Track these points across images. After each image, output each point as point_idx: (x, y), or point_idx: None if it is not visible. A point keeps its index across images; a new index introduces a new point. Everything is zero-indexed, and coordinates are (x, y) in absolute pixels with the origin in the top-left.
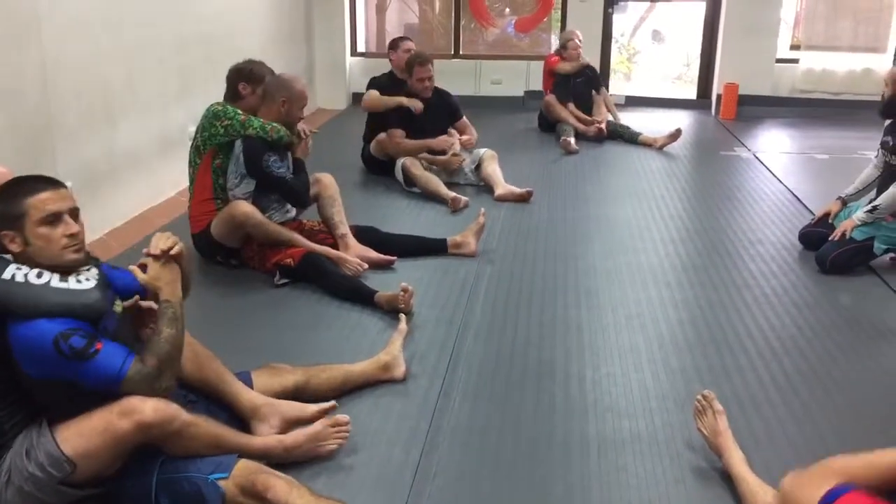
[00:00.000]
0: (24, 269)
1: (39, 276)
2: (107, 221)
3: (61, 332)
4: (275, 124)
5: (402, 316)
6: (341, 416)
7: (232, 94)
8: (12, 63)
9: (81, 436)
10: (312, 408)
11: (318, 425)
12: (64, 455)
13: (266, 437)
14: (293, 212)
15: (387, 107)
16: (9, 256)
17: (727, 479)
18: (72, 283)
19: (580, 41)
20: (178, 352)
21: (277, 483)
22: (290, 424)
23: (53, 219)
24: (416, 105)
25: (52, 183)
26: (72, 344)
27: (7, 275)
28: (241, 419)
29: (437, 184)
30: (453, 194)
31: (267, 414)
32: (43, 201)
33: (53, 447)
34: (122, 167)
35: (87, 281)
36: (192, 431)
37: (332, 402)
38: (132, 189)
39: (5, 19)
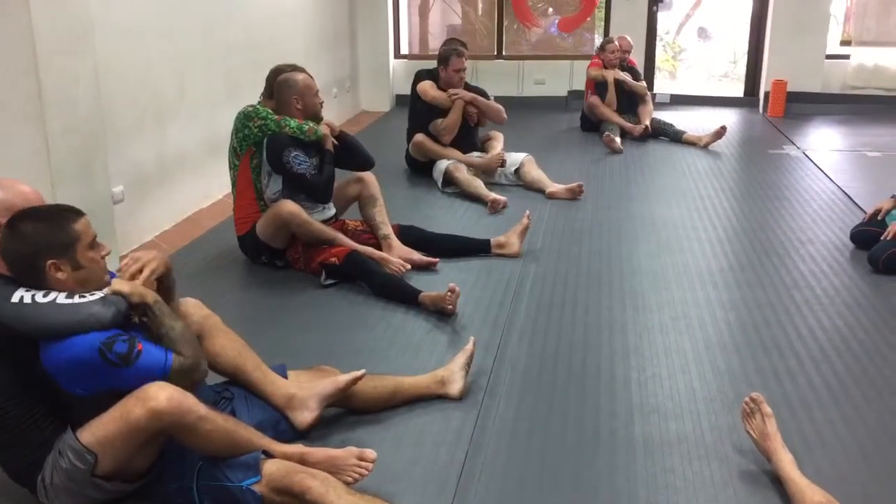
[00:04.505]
0: (32, 290)
1: (46, 295)
2: (157, 224)
3: (103, 342)
4: (311, 124)
5: (472, 338)
6: (369, 452)
7: (270, 92)
8: (68, 70)
9: (99, 425)
10: (344, 378)
11: (342, 452)
12: (83, 445)
13: (287, 447)
14: (332, 210)
15: (444, 108)
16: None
17: (776, 482)
18: (76, 298)
19: (626, 47)
20: (196, 340)
21: (313, 483)
22: (329, 401)
23: (94, 242)
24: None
25: (78, 210)
26: (117, 351)
27: (15, 298)
28: (277, 411)
29: (477, 186)
30: (493, 196)
31: (302, 399)
32: (86, 225)
33: (73, 440)
34: (171, 170)
35: (90, 295)
36: (207, 428)
37: (363, 371)
38: (182, 191)
39: (62, 29)
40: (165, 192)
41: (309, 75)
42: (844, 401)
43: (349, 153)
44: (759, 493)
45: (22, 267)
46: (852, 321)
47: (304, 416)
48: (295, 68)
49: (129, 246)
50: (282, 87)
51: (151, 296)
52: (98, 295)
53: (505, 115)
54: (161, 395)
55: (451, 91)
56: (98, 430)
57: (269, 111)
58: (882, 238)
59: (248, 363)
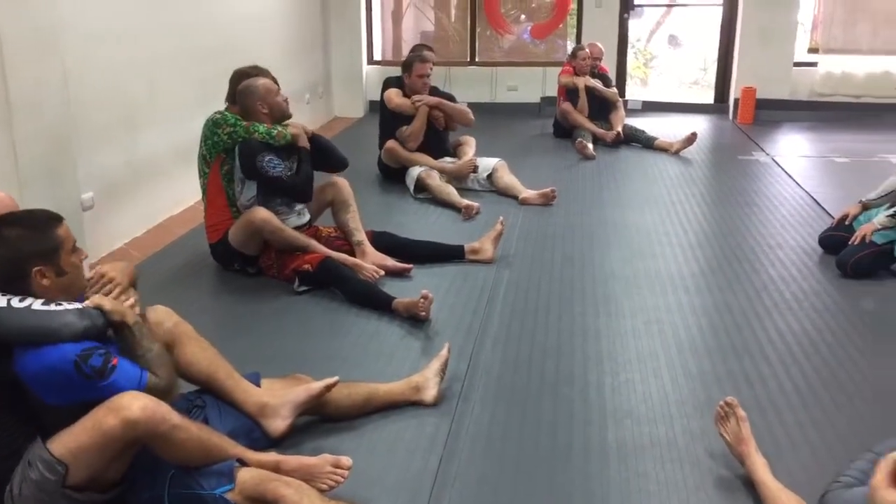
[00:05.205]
0: (8, 295)
1: (22, 300)
2: (127, 231)
3: (79, 354)
4: (279, 128)
5: (447, 344)
6: (345, 459)
7: (233, 96)
8: (34, 75)
9: (71, 435)
10: (317, 385)
11: (317, 459)
12: (53, 456)
13: (261, 455)
14: (307, 216)
15: (410, 115)
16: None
17: (748, 485)
18: (52, 305)
19: (597, 54)
20: (171, 364)
21: (287, 492)
22: (303, 409)
23: (75, 247)
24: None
25: (58, 215)
26: (92, 364)
27: None
28: (250, 419)
29: (449, 193)
30: (466, 202)
31: (275, 407)
32: (67, 231)
33: (44, 451)
34: (142, 177)
35: (68, 304)
36: (181, 436)
37: (336, 378)
38: (152, 198)
39: (27, 33)
40: (136, 198)
41: (272, 77)
42: (814, 404)
43: (322, 155)
44: (731, 496)
45: (6, 273)
46: (821, 325)
47: (277, 423)
48: (259, 71)
49: (99, 254)
50: (244, 95)
51: (132, 316)
52: (76, 305)
53: (472, 117)
54: (134, 405)
55: (415, 97)
56: (70, 441)
57: (238, 117)
58: (850, 243)
59: (221, 371)
